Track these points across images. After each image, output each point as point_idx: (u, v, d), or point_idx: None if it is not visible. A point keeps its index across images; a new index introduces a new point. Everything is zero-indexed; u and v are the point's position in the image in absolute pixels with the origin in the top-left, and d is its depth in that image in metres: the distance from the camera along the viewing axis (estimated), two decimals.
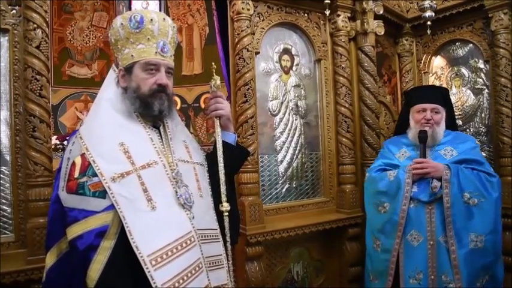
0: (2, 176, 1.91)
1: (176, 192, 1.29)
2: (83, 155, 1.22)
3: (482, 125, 3.17)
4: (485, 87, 3.17)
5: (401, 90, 3.57)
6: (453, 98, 3.22)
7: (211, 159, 1.54)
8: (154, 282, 1.12)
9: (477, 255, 2.12)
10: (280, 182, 2.71)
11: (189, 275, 1.21)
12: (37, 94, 1.86)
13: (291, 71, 2.80)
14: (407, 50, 3.54)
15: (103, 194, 1.17)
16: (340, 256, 2.89)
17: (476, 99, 3.22)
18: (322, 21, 2.93)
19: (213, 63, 1.59)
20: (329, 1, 2.52)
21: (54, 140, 5.19)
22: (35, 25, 1.86)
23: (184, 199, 1.29)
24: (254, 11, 2.53)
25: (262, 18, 2.61)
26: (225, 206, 1.42)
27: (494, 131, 3.04)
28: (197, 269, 1.25)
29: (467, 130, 3.24)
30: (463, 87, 3.31)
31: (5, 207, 1.90)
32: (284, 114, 2.75)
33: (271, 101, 2.69)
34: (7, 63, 1.93)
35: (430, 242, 2.19)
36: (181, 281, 1.18)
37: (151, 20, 1.31)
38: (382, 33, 2.99)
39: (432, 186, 2.18)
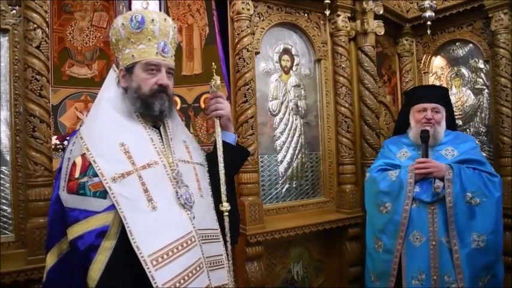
0: (2, 176, 1.91)
1: (177, 192, 1.29)
2: (83, 155, 1.22)
3: (482, 125, 3.17)
4: (485, 87, 3.17)
5: (401, 90, 3.57)
6: (453, 98, 3.23)
7: (211, 159, 1.54)
8: (155, 282, 1.12)
9: (479, 255, 2.12)
10: (280, 182, 2.71)
11: (190, 275, 1.21)
12: (37, 94, 1.86)
13: (291, 71, 2.80)
14: (407, 50, 3.55)
15: (104, 194, 1.17)
16: (340, 256, 2.89)
17: (476, 99, 3.22)
18: (322, 21, 2.93)
19: (213, 64, 1.60)
20: (329, 1, 2.52)
21: (54, 140, 5.19)
22: (35, 25, 1.86)
23: (185, 199, 1.29)
24: (254, 11, 2.53)
25: (262, 18, 2.61)
26: (225, 206, 1.42)
27: (494, 131, 3.04)
28: (198, 269, 1.25)
29: (467, 130, 3.24)
30: (463, 87, 3.31)
31: (5, 207, 1.90)
32: (284, 114, 2.75)
33: (271, 101, 2.69)
34: (7, 63, 1.93)
35: (432, 242, 2.19)
36: (182, 281, 1.18)
37: (153, 20, 1.31)
38: (382, 33, 3.00)
39: (435, 187, 2.18)
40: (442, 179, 2.19)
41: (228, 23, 2.56)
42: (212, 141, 6.12)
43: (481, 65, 3.19)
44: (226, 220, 1.43)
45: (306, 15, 2.85)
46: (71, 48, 7.12)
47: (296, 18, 2.78)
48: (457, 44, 3.35)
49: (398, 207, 2.25)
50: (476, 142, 2.58)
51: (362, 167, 2.97)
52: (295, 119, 2.80)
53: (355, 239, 2.86)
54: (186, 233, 1.25)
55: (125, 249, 1.15)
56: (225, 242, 1.43)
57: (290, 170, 2.76)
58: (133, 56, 1.32)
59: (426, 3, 2.72)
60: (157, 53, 1.32)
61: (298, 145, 2.81)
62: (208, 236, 1.35)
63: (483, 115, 3.17)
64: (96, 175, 1.19)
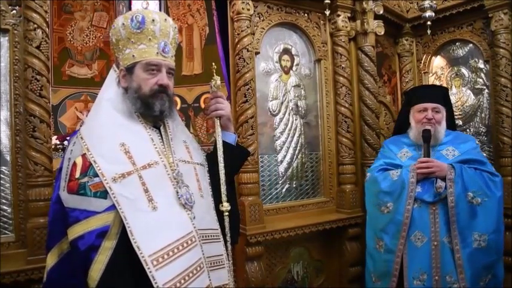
0: (2, 176, 1.91)
1: (177, 192, 1.29)
2: (83, 155, 1.22)
3: (482, 125, 3.17)
4: (485, 87, 3.17)
5: (401, 90, 3.57)
6: (453, 98, 3.23)
7: (211, 159, 1.54)
8: (156, 283, 1.12)
9: (480, 255, 2.12)
10: (280, 182, 2.72)
11: (191, 275, 1.21)
12: (37, 94, 1.86)
13: (291, 71, 2.80)
14: (407, 50, 3.55)
15: (104, 194, 1.17)
16: (340, 256, 2.89)
17: (476, 99, 3.22)
18: (322, 21, 2.93)
19: (213, 64, 1.60)
20: (329, 1, 2.52)
21: (54, 140, 5.19)
22: (35, 25, 1.86)
23: (185, 199, 1.29)
24: (254, 11, 2.53)
25: (262, 18, 2.61)
26: (226, 206, 1.42)
27: (494, 131, 3.04)
28: (198, 269, 1.25)
29: (467, 130, 3.24)
30: (463, 87, 3.31)
31: (5, 207, 1.90)
32: (284, 114, 2.75)
33: (271, 101, 2.69)
34: (7, 63, 1.93)
35: (434, 242, 2.19)
36: (182, 281, 1.18)
37: (153, 20, 1.31)
38: (382, 33, 3.00)
39: (437, 186, 2.18)
40: (443, 179, 2.19)
41: (228, 23, 2.56)
42: (212, 141, 6.13)
43: (481, 65, 3.19)
44: (227, 220, 1.43)
45: (306, 15, 2.85)
46: (71, 48, 7.13)
47: (296, 18, 2.78)
48: (457, 44, 3.35)
49: (400, 206, 2.25)
50: (477, 142, 2.57)
51: (362, 167, 2.97)
52: (295, 119, 2.80)
53: (355, 239, 2.86)
54: (186, 233, 1.25)
55: (125, 249, 1.15)
56: (225, 242, 1.43)
57: (290, 170, 2.76)
58: (133, 56, 1.32)
59: (426, 3, 2.73)
60: (157, 53, 1.32)
61: (298, 145, 2.81)
62: (208, 236, 1.35)
63: (483, 115, 3.17)
64: (96, 175, 1.19)
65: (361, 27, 2.93)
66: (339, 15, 2.86)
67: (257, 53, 2.56)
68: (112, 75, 1.40)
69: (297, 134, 2.80)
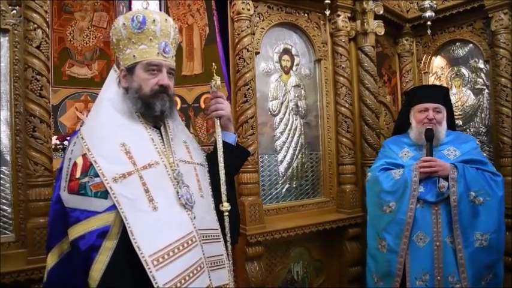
0: (2, 176, 1.91)
1: (177, 192, 1.29)
2: (84, 155, 1.22)
3: (483, 125, 3.17)
4: (485, 87, 3.17)
5: (401, 90, 3.57)
6: (453, 98, 3.23)
7: (211, 159, 1.54)
8: (156, 283, 1.12)
9: (482, 254, 2.13)
10: (280, 182, 2.72)
11: (191, 275, 1.21)
12: (37, 94, 1.86)
13: (291, 71, 2.80)
14: (407, 50, 3.55)
15: (105, 194, 1.17)
16: (340, 256, 2.89)
17: (476, 99, 3.22)
18: (322, 21, 2.93)
19: (213, 64, 1.60)
20: (329, 1, 2.52)
21: (55, 140, 5.19)
22: (35, 25, 1.86)
23: (186, 199, 1.29)
24: (254, 11, 2.53)
25: (262, 18, 2.61)
26: (226, 206, 1.42)
27: (494, 131, 3.04)
28: (199, 269, 1.25)
29: (468, 130, 3.24)
30: (463, 87, 3.31)
31: (5, 207, 1.90)
32: (284, 114, 2.75)
33: (271, 101, 2.69)
34: (7, 63, 1.93)
35: (436, 243, 2.19)
36: (183, 281, 1.18)
37: (154, 20, 1.31)
38: (382, 33, 3.00)
39: (440, 186, 2.18)
40: (445, 179, 2.19)
41: (228, 23, 2.56)
42: (212, 141, 6.13)
43: (481, 65, 3.19)
44: (227, 220, 1.43)
45: (306, 15, 2.86)
46: (71, 48, 7.13)
47: (296, 18, 2.78)
48: (457, 44, 3.35)
49: (403, 206, 2.24)
50: (477, 142, 2.57)
51: (362, 167, 2.97)
52: (295, 119, 2.80)
53: (355, 239, 2.86)
54: (186, 233, 1.25)
55: (126, 250, 1.15)
56: (225, 242, 1.43)
57: (290, 170, 2.76)
58: (134, 56, 1.32)
59: (426, 3, 2.73)
60: (158, 53, 1.32)
61: (298, 145, 2.81)
62: (208, 236, 1.35)
63: (483, 115, 3.17)
64: (97, 175, 1.19)
65: (361, 27, 2.93)
66: (339, 15, 2.87)
67: (257, 53, 2.57)
68: (112, 75, 1.40)
69: (297, 134, 2.80)
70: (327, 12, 2.61)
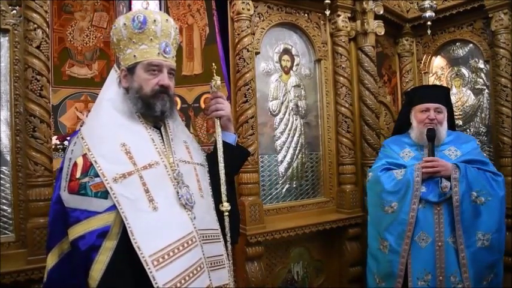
0: (2, 176, 1.90)
1: (177, 192, 1.29)
2: (84, 156, 1.22)
3: (483, 125, 3.17)
4: (485, 87, 3.17)
5: (401, 90, 3.57)
6: (453, 98, 3.22)
7: (211, 159, 1.54)
8: (156, 283, 1.12)
9: (484, 254, 2.13)
10: (280, 182, 2.72)
11: (191, 275, 1.21)
12: (37, 94, 1.86)
13: (291, 71, 2.80)
14: (408, 50, 3.55)
15: (105, 194, 1.18)
16: (340, 256, 2.89)
17: (477, 99, 3.22)
18: (322, 21, 2.93)
19: (213, 64, 1.59)
20: (329, 1, 2.53)
21: (55, 140, 5.19)
22: (35, 25, 1.86)
23: (186, 199, 1.29)
24: (254, 11, 2.53)
25: (262, 19, 2.61)
26: (226, 206, 1.42)
27: (494, 131, 3.04)
28: (199, 269, 1.25)
29: (468, 130, 3.24)
30: (463, 87, 3.31)
31: (5, 207, 1.90)
32: (284, 114, 2.75)
33: (271, 101, 2.69)
34: (7, 63, 1.93)
35: (438, 243, 2.19)
36: (183, 281, 1.18)
37: (155, 20, 1.31)
38: (382, 33, 3.00)
39: (442, 186, 2.18)
40: (447, 179, 2.19)
41: (228, 23, 2.56)
42: (212, 141, 6.13)
43: (481, 65, 3.19)
44: (227, 220, 1.43)
45: (306, 15, 2.85)
46: (71, 48, 7.14)
47: (296, 18, 2.78)
48: (457, 44, 3.35)
49: (405, 206, 2.23)
50: (477, 142, 2.57)
51: (362, 167, 2.97)
52: (295, 119, 2.80)
53: (355, 239, 2.86)
54: (186, 233, 1.25)
55: (126, 250, 1.15)
56: (225, 242, 1.43)
57: (290, 170, 2.76)
58: (135, 56, 1.32)
59: (426, 3, 2.73)
60: (159, 53, 1.32)
61: (298, 145, 2.81)
62: (208, 236, 1.35)
63: (483, 115, 3.17)
64: (97, 175, 1.19)
65: (361, 27, 2.93)
66: (339, 15, 2.87)
67: (257, 53, 2.57)
68: (113, 75, 1.40)
69: (297, 134, 2.80)
70: (327, 12, 2.61)
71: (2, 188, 1.90)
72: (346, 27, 2.89)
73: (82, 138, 1.26)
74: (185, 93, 7.31)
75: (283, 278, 2.70)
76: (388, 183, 2.33)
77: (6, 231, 1.89)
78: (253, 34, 2.53)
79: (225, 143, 1.51)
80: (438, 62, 3.50)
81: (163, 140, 1.38)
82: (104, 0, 7.38)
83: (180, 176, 1.32)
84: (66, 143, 4.89)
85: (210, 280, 1.29)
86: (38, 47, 1.86)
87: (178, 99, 7.06)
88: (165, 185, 1.28)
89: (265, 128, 2.65)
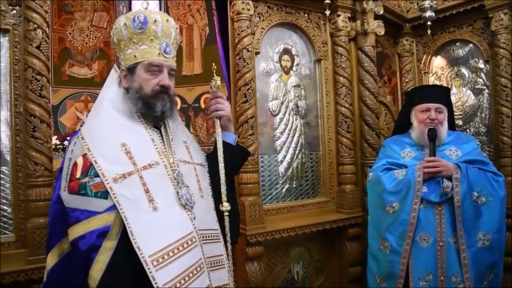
0: (2, 176, 1.90)
1: (177, 192, 1.29)
2: (84, 156, 1.22)
3: (483, 125, 3.17)
4: (485, 88, 3.17)
5: (401, 90, 3.57)
6: (453, 98, 3.22)
7: (211, 159, 1.54)
8: (156, 283, 1.12)
9: (485, 254, 2.13)
10: (280, 182, 2.72)
11: (191, 275, 1.21)
12: (37, 94, 1.86)
13: (291, 71, 2.80)
14: (408, 50, 3.55)
15: (105, 194, 1.18)
16: (340, 256, 2.89)
17: (477, 99, 3.22)
18: (322, 21, 2.93)
19: (213, 64, 1.59)
20: (329, 1, 2.53)
21: (55, 140, 5.19)
22: (35, 25, 1.86)
23: (186, 200, 1.29)
24: (254, 11, 2.53)
25: (262, 19, 2.61)
26: (226, 206, 1.42)
27: (494, 131, 3.04)
28: (198, 269, 1.25)
29: (468, 130, 3.24)
30: (463, 87, 3.31)
31: (5, 207, 1.90)
32: (284, 114, 2.75)
33: (271, 101, 2.69)
34: (7, 63, 1.93)
35: (439, 243, 2.19)
36: (182, 281, 1.18)
37: (155, 20, 1.31)
38: (382, 33, 3.00)
39: (444, 186, 2.18)
40: (449, 179, 2.19)
41: (228, 23, 2.56)
42: (212, 142, 6.13)
43: (481, 65, 3.19)
44: (227, 220, 1.43)
45: (306, 15, 2.86)
46: (71, 48, 7.14)
47: (296, 18, 2.78)
48: (457, 44, 3.35)
49: (406, 206, 2.23)
50: (477, 143, 2.57)
51: (362, 167, 2.97)
52: (295, 119, 2.80)
53: (355, 239, 2.86)
54: (186, 233, 1.25)
55: (126, 250, 1.15)
56: (225, 242, 1.43)
57: (290, 170, 2.76)
58: (135, 56, 1.32)
59: (426, 3, 2.73)
60: (159, 53, 1.32)
61: (298, 145, 2.81)
62: (208, 237, 1.35)
63: (483, 115, 3.18)
64: (97, 175, 1.19)
65: (361, 27, 2.93)
66: (339, 15, 2.87)
67: (257, 53, 2.57)
68: (113, 75, 1.40)
69: (297, 134, 2.80)
70: (327, 12, 2.61)
71: (2, 188, 1.90)
72: (346, 27, 2.89)
73: (82, 138, 1.26)
74: (185, 93, 7.31)
75: (283, 278, 2.70)
76: (389, 183, 2.32)
77: (6, 231, 1.89)
78: (253, 34, 2.53)
79: (225, 143, 1.50)
80: (438, 62, 3.50)
81: (163, 140, 1.38)
82: (104, 0, 7.38)
83: (180, 176, 1.32)
84: (66, 143, 4.89)
85: (210, 280, 1.29)
86: (38, 47, 1.86)
87: (178, 99, 7.06)
88: (165, 185, 1.28)
89: (265, 128, 2.65)
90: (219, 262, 1.38)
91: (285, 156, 2.74)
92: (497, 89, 2.94)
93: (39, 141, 1.86)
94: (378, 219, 2.41)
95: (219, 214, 1.44)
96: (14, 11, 1.93)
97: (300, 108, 2.82)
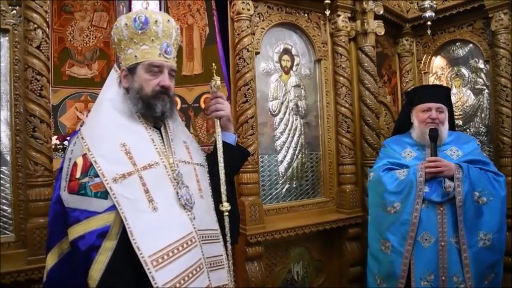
0: (2, 176, 1.90)
1: (177, 193, 1.29)
2: (84, 156, 1.22)
3: (483, 125, 3.17)
4: (485, 88, 3.17)
5: (401, 90, 3.57)
6: (453, 98, 3.22)
7: (211, 159, 1.54)
8: (156, 283, 1.12)
9: (486, 254, 2.13)
10: (280, 182, 2.72)
11: (190, 275, 1.21)
12: (37, 94, 1.86)
13: (291, 71, 2.80)
14: (408, 50, 3.55)
15: (105, 194, 1.18)
16: (340, 256, 2.89)
17: (477, 99, 3.22)
18: (322, 21, 2.93)
19: (213, 64, 1.59)
20: (329, 1, 2.53)
21: (55, 140, 5.19)
22: (35, 25, 1.86)
23: (185, 200, 1.29)
24: (254, 11, 2.53)
25: (262, 19, 2.61)
26: (225, 206, 1.42)
27: (494, 131, 3.04)
28: (198, 269, 1.25)
29: (468, 130, 3.24)
30: (463, 87, 3.31)
31: (5, 207, 1.90)
32: (284, 114, 2.75)
33: (271, 101, 2.69)
34: (7, 63, 1.93)
35: (441, 243, 2.18)
36: (182, 282, 1.18)
37: (156, 21, 1.31)
38: (382, 33, 3.00)
39: (446, 186, 2.17)
40: (450, 179, 2.19)
41: (228, 23, 2.56)
42: (212, 142, 6.13)
43: (481, 65, 3.19)
44: (227, 220, 1.43)
45: (306, 15, 2.85)
46: (71, 48, 7.14)
47: (296, 18, 2.78)
48: (457, 44, 3.35)
49: (408, 206, 2.22)
50: (477, 143, 2.57)
51: (362, 167, 2.97)
52: (295, 119, 2.80)
53: (355, 239, 2.86)
54: (186, 233, 1.25)
55: (125, 250, 1.15)
56: (225, 242, 1.43)
57: (290, 170, 2.76)
58: (136, 56, 1.32)
59: (426, 3, 2.73)
60: (160, 54, 1.32)
61: (298, 145, 2.81)
62: (208, 237, 1.35)
63: (483, 115, 3.18)
64: (97, 175, 1.19)
65: (361, 27, 2.93)
66: (339, 15, 2.87)
67: (257, 53, 2.57)
68: (113, 75, 1.40)
69: (297, 134, 2.80)
70: (327, 12, 2.61)
71: (2, 188, 1.90)
72: (346, 27, 2.89)
73: (82, 138, 1.26)
74: (185, 93, 7.31)
75: (283, 278, 2.70)
76: (390, 183, 2.31)
77: (6, 231, 1.89)
78: (253, 34, 2.53)
79: (225, 143, 1.50)
80: (438, 62, 3.50)
81: (163, 140, 1.37)
82: (104, 0, 7.39)
83: (179, 176, 1.32)
84: (66, 143, 4.89)
85: (210, 280, 1.29)
86: (38, 47, 1.86)
87: (178, 99, 7.06)
88: (164, 186, 1.28)
89: (265, 128, 2.65)
90: (219, 262, 1.38)
91: (285, 156, 2.74)
92: (497, 89, 2.94)
93: (39, 141, 1.86)
94: (378, 219, 2.40)
95: (219, 214, 1.44)
96: (14, 11, 1.93)
97: (300, 108, 2.82)
